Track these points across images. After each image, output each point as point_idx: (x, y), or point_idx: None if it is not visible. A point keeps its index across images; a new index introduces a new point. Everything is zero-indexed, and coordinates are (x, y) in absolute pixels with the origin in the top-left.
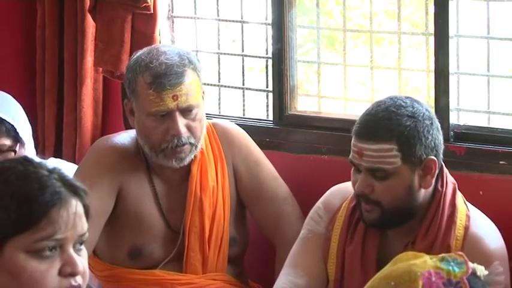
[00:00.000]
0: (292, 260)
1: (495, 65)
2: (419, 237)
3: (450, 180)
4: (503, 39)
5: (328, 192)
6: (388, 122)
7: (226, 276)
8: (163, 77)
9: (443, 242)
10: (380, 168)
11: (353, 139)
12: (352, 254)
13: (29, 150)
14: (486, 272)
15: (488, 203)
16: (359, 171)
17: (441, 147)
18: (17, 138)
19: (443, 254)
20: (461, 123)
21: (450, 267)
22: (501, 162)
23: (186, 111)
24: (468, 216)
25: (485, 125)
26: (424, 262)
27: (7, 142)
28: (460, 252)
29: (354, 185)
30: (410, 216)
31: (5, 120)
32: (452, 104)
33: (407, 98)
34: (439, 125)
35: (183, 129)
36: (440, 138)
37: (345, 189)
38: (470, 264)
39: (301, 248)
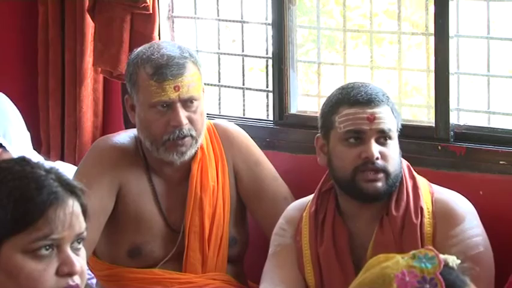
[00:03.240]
0: (267, 275)
1: (495, 65)
2: (392, 207)
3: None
4: (503, 39)
5: (286, 209)
6: (378, 89)
7: (225, 276)
8: (165, 67)
9: (415, 206)
10: (390, 129)
11: (352, 108)
12: (326, 253)
13: (19, 151)
14: (458, 261)
15: (488, 203)
16: (356, 144)
17: None
18: None
19: (413, 252)
20: (461, 123)
21: (422, 264)
22: (501, 162)
23: (188, 103)
24: (429, 185)
25: (485, 125)
26: (397, 263)
27: None
28: (430, 247)
29: (355, 157)
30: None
31: None
32: (452, 104)
33: None
34: None
35: (184, 121)
36: None
37: (300, 203)
38: (442, 257)
39: (272, 262)
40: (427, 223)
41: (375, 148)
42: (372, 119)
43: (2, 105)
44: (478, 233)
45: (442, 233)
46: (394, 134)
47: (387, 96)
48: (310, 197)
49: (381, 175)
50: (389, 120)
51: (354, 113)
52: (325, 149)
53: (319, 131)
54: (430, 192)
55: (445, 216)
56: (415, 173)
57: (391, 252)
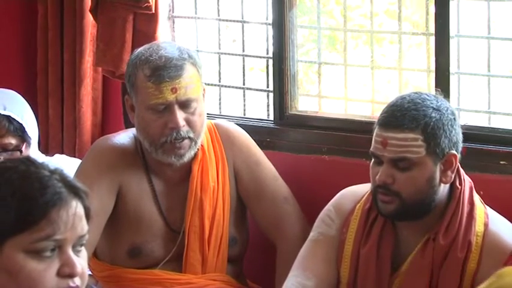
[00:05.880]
0: (301, 262)
1: (495, 65)
2: (440, 233)
3: (467, 178)
4: (503, 39)
5: (338, 195)
6: (414, 112)
7: (225, 276)
8: (163, 69)
9: (464, 238)
10: (404, 158)
11: (377, 129)
12: (367, 255)
13: (33, 148)
14: None
15: (489, 203)
16: (379, 164)
17: (460, 144)
18: (23, 138)
19: None
20: (462, 123)
21: None
22: (501, 162)
23: (185, 105)
24: (486, 214)
25: (485, 125)
26: None
27: (13, 141)
28: None
29: (373, 177)
30: (427, 211)
31: (14, 119)
32: (453, 104)
33: (430, 93)
34: (459, 122)
35: (181, 123)
36: (461, 135)
37: (355, 192)
38: None
39: (310, 250)
40: (472, 258)
41: (386, 173)
42: (385, 144)
43: (24, 103)
44: None
45: (486, 269)
46: (414, 163)
47: (425, 123)
48: (364, 187)
49: (390, 198)
50: (408, 148)
51: (375, 134)
52: None
53: None
54: (484, 224)
55: (493, 252)
56: (475, 198)
57: (423, 277)
